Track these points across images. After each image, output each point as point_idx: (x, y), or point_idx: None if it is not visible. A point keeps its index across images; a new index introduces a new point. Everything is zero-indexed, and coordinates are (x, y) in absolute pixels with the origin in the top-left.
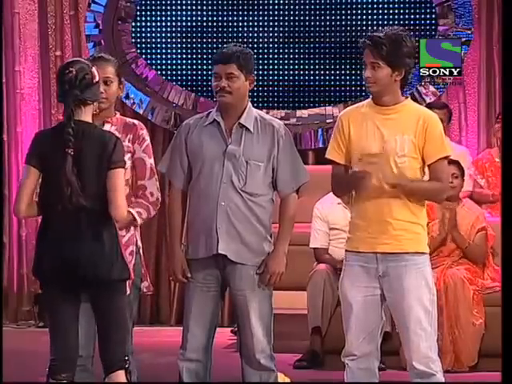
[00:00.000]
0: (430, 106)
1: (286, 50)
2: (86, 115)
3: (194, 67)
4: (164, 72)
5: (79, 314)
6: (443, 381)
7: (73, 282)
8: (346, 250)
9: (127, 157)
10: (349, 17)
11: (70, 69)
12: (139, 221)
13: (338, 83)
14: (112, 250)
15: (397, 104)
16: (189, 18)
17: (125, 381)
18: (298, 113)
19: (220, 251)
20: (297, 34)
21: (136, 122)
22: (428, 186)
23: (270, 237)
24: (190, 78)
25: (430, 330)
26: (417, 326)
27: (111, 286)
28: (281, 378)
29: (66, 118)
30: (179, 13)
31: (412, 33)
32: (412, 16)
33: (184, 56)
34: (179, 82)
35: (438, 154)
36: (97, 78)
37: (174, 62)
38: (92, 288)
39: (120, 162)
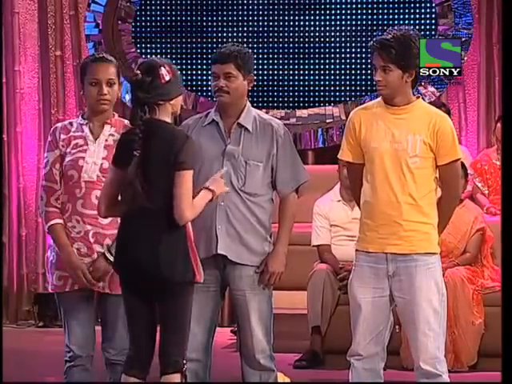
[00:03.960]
0: None
1: (286, 50)
2: (162, 115)
3: (194, 67)
4: None
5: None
6: (448, 381)
7: (138, 283)
8: (356, 250)
9: None
10: (349, 17)
11: (137, 70)
12: None
13: (337, 83)
14: (175, 252)
15: (408, 104)
16: (189, 18)
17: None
18: (298, 113)
19: (219, 251)
20: (297, 34)
21: None
22: (448, 213)
23: (270, 237)
24: (189, 77)
25: (439, 330)
26: (426, 326)
27: (173, 288)
28: (281, 377)
29: (130, 119)
30: (179, 13)
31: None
32: (412, 16)
33: (184, 56)
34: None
35: (449, 156)
36: (167, 78)
37: (174, 61)
38: (155, 289)
39: (185, 164)
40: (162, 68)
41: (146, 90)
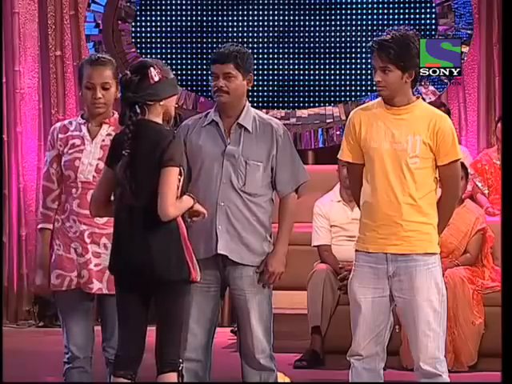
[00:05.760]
0: None
1: (286, 50)
2: (152, 115)
3: (194, 67)
4: None
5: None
6: (448, 381)
7: (132, 283)
8: (356, 250)
9: None
10: (349, 17)
11: (126, 71)
12: None
13: (337, 83)
14: (167, 250)
15: (408, 104)
16: (189, 18)
17: (175, 381)
18: (298, 113)
19: (219, 251)
20: (297, 34)
21: None
22: (448, 213)
23: (270, 237)
24: (190, 77)
25: (439, 330)
26: (426, 326)
27: (168, 286)
28: (281, 377)
29: (119, 118)
30: (179, 13)
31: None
32: (412, 16)
33: (184, 56)
34: (179, 82)
35: (449, 156)
36: (156, 78)
37: (174, 61)
38: (151, 288)
39: (171, 161)
40: (152, 68)
41: (134, 89)
